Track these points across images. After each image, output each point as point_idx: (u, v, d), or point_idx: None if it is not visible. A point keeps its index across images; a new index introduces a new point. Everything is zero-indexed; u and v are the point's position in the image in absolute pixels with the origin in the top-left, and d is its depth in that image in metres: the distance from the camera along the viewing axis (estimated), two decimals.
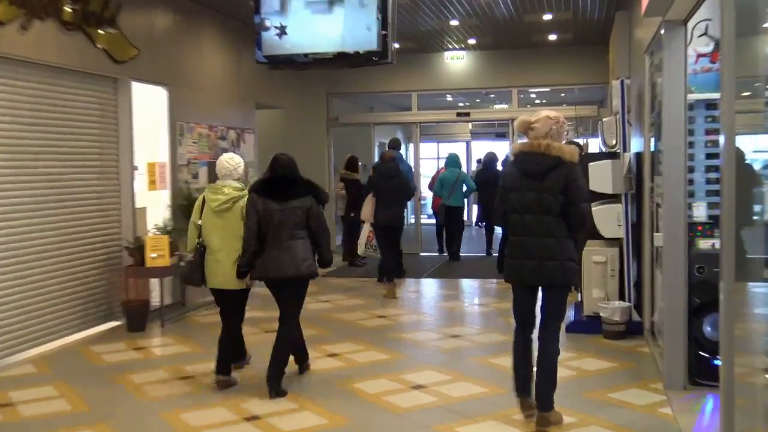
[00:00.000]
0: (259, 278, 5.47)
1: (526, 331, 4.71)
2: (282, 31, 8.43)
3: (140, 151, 8.23)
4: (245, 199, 5.44)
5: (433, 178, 13.71)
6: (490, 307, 8.79)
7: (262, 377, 5.48)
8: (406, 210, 10.01)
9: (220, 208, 5.50)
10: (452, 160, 12.83)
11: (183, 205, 8.53)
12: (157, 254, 7.59)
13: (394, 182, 9.43)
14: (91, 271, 7.51)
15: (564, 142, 4.66)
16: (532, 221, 4.47)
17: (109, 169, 7.82)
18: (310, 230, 5.38)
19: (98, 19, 7.37)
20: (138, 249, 7.62)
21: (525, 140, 4.58)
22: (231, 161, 5.62)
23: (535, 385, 4.63)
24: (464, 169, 16.21)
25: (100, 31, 7.41)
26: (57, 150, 7.09)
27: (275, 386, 5.33)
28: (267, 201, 5.33)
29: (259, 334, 7.28)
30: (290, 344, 5.57)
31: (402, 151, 18.06)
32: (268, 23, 8.35)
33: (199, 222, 5.60)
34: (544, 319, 4.63)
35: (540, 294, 4.64)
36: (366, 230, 9.49)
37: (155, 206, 8.54)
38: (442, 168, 13.46)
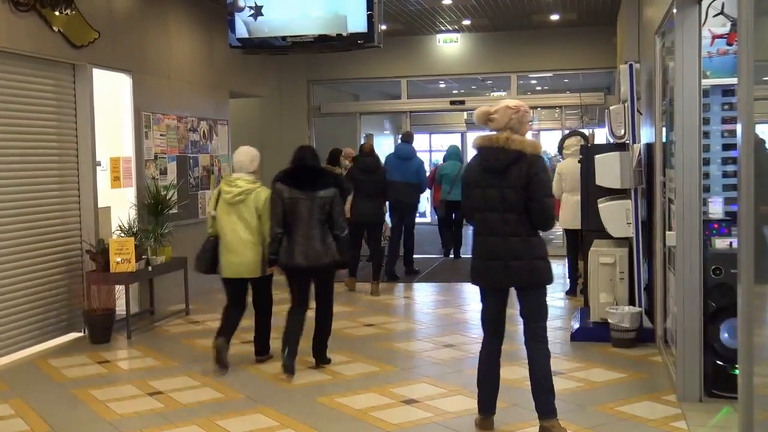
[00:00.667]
0: (284, 266, 6.14)
1: (496, 341, 4.84)
2: (257, 11, 8.43)
3: (102, 145, 8.20)
4: (258, 191, 6.27)
5: (432, 172, 13.75)
6: None
7: (236, 396, 5.45)
8: (385, 207, 10.28)
9: (234, 200, 6.26)
10: (453, 153, 13.00)
11: (150, 204, 8.51)
12: (122, 258, 7.57)
13: (373, 177, 9.57)
14: (50, 278, 7.47)
15: (528, 132, 4.71)
16: (495, 219, 4.55)
17: (68, 165, 7.79)
18: (331, 221, 6.09)
19: (54, 0, 7.33)
20: (101, 253, 7.59)
21: (487, 132, 4.64)
22: (247, 154, 6.43)
23: (533, 395, 4.71)
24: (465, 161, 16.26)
25: (56, 13, 7.37)
26: (9, 144, 7.06)
27: (322, 356, 6.41)
28: (293, 190, 6.05)
29: (238, 345, 7.27)
30: (329, 324, 6.47)
31: (394, 143, 18.14)
32: (242, 3, 8.36)
33: (213, 213, 6.39)
34: (525, 324, 4.76)
35: (516, 298, 4.77)
36: None
37: (120, 205, 8.52)
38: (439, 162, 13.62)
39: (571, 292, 9.42)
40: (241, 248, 6.26)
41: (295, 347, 6.16)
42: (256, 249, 6.29)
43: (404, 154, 11.05)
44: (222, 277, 6.44)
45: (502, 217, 4.53)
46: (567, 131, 10.90)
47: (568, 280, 9.66)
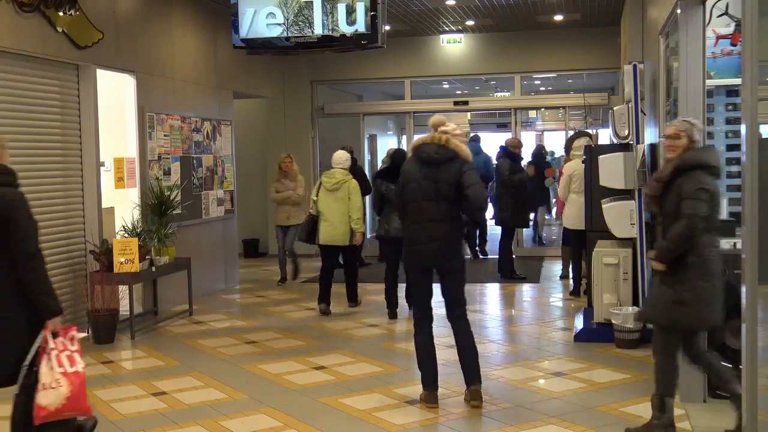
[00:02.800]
0: (381, 236, 8.38)
1: (427, 321, 5.52)
2: None
3: (106, 146, 8.21)
4: (349, 181, 8.51)
5: None
6: (486, 313, 8.82)
7: (240, 396, 5.45)
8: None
9: (332, 187, 8.52)
10: (475, 149, 13.10)
11: (154, 205, 8.52)
12: (125, 259, 7.57)
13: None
14: (54, 278, 7.37)
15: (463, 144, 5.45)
16: (430, 207, 5.28)
17: (72, 166, 7.80)
18: None
19: (58, 0, 7.34)
20: (105, 253, 7.60)
21: (426, 135, 5.43)
22: (342, 156, 8.76)
23: (461, 365, 5.44)
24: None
25: (60, 13, 7.38)
26: (13, 145, 7.04)
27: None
28: (389, 184, 7.85)
29: (240, 345, 7.28)
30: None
31: (395, 142, 18.16)
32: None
33: (315, 198, 8.61)
34: (450, 304, 5.48)
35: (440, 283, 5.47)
36: None
37: (123, 206, 8.53)
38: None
39: (574, 293, 9.41)
40: (336, 222, 8.44)
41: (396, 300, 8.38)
42: (346, 223, 8.45)
43: (473, 150, 11.29)
44: (320, 244, 8.61)
45: (437, 205, 5.27)
46: (573, 131, 10.90)
47: (571, 281, 9.65)
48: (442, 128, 5.40)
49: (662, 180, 4.55)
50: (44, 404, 3.96)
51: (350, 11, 8.25)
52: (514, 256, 11.20)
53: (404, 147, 14.28)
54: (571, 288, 9.57)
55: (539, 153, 13.39)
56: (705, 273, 4.47)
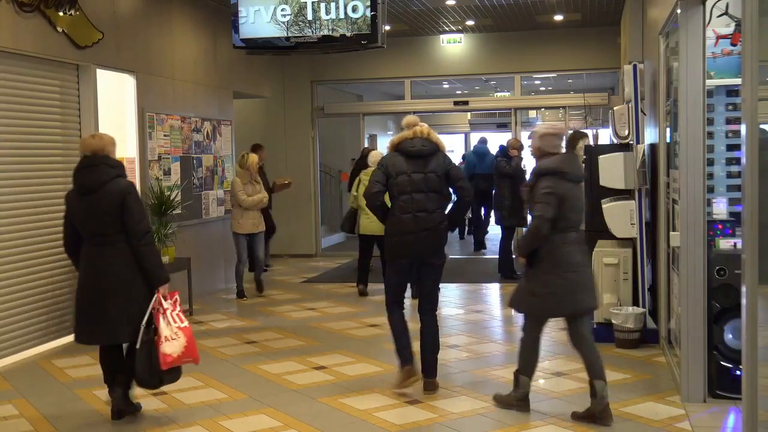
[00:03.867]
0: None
1: (399, 306, 5.81)
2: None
3: None
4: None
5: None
6: (487, 314, 8.82)
7: (240, 396, 5.44)
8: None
9: None
10: (483, 150, 14.30)
11: (154, 205, 8.52)
12: None
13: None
14: (54, 278, 7.48)
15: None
16: (422, 199, 5.55)
17: (72, 166, 7.73)
18: None
19: (58, 0, 7.34)
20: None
21: (404, 132, 5.71)
22: (378, 156, 8.89)
23: (422, 357, 5.69)
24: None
25: (60, 13, 7.38)
26: (13, 145, 7.07)
27: None
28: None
29: (240, 345, 7.28)
30: None
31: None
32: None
33: (356, 193, 9.51)
34: (424, 299, 5.80)
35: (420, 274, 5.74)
36: None
37: None
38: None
39: None
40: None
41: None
42: None
43: (481, 151, 14.20)
44: (359, 234, 9.60)
45: (427, 196, 5.56)
46: (571, 131, 10.89)
47: None
48: (419, 126, 5.73)
49: (528, 185, 5.18)
50: (169, 352, 4.98)
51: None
52: (514, 256, 11.19)
53: None
54: None
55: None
56: (556, 267, 4.98)
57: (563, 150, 5.20)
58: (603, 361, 5.14)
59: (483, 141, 14.59)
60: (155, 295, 5.05)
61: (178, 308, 5.15)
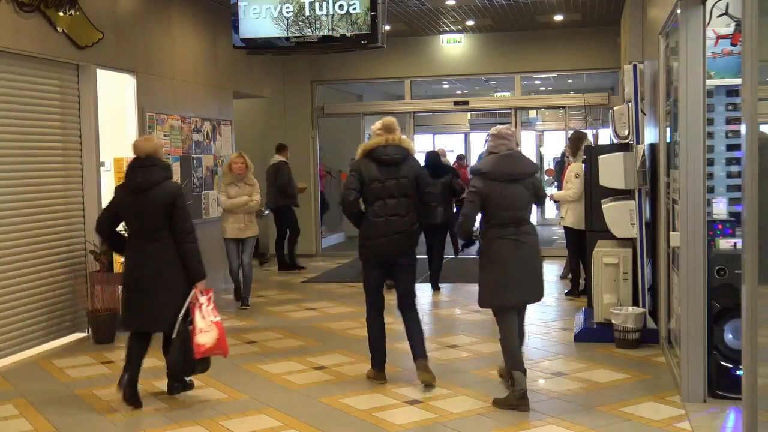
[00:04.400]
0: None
1: (378, 308, 6.03)
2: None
3: (106, 146, 8.20)
4: None
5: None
6: (487, 314, 8.79)
7: (240, 396, 5.44)
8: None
9: None
10: None
11: None
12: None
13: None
14: (54, 278, 7.48)
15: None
16: (394, 204, 5.79)
17: (72, 166, 7.80)
18: None
19: (58, 0, 7.34)
20: (105, 253, 7.59)
21: (379, 137, 5.87)
22: None
23: (410, 343, 5.96)
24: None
25: (60, 13, 7.38)
26: (12, 145, 7.07)
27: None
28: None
29: (240, 345, 7.28)
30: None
31: None
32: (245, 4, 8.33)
33: None
34: (402, 296, 6.00)
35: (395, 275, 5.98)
36: None
37: None
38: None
39: (571, 293, 9.41)
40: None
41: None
42: None
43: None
44: None
45: (399, 201, 5.81)
46: (572, 131, 10.88)
47: (569, 281, 9.64)
48: (397, 130, 5.95)
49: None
50: (202, 342, 5.40)
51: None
52: None
53: None
54: (569, 288, 9.58)
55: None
56: (488, 261, 5.39)
57: (506, 150, 5.44)
58: (524, 354, 5.66)
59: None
60: (193, 290, 5.49)
61: (212, 304, 5.57)
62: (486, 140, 5.65)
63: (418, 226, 5.92)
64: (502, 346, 5.44)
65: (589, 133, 11.01)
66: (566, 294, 9.49)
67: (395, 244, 5.80)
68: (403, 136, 6.02)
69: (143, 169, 5.49)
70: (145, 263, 5.48)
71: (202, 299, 5.51)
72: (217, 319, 5.55)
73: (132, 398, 5.45)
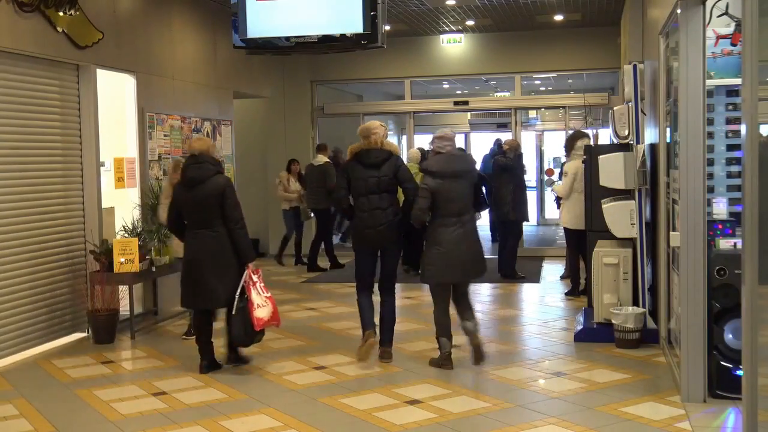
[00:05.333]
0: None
1: (367, 289, 6.63)
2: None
3: (106, 146, 8.20)
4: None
5: None
6: (489, 314, 8.82)
7: (240, 396, 5.44)
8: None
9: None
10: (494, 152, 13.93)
11: (154, 205, 8.51)
12: (125, 259, 7.57)
13: None
14: (54, 278, 7.48)
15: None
16: (376, 199, 6.46)
17: (72, 166, 7.80)
18: None
19: (58, 0, 7.34)
20: (105, 253, 7.60)
21: (362, 142, 6.56)
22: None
23: (382, 330, 6.58)
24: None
25: (60, 13, 7.38)
26: (12, 145, 7.07)
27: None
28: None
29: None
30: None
31: (395, 142, 18.20)
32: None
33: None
34: (384, 277, 6.60)
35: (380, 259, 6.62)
36: None
37: (123, 206, 8.52)
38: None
39: (571, 293, 9.41)
40: None
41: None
42: None
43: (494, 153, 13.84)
44: None
45: (381, 197, 6.46)
46: (571, 131, 10.88)
47: (569, 281, 9.64)
48: (373, 135, 6.52)
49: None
50: (261, 316, 6.13)
51: None
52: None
53: (401, 146, 14.32)
54: (569, 288, 9.58)
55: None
56: (431, 243, 6.28)
57: (449, 149, 6.38)
58: (475, 313, 6.53)
59: (498, 143, 13.93)
60: (246, 271, 6.20)
61: (263, 282, 6.30)
62: (432, 141, 6.56)
63: (400, 217, 6.53)
64: (435, 316, 6.36)
65: (590, 132, 10.99)
66: (566, 294, 9.50)
67: (380, 234, 6.49)
68: (387, 139, 6.63)
69: (196, 166, 6.23)
70: (201, 248, 6.20)
71: (255, 278, 6.21)
72: (270, 294, 6.28)
73: (211, 367, 6.35)
